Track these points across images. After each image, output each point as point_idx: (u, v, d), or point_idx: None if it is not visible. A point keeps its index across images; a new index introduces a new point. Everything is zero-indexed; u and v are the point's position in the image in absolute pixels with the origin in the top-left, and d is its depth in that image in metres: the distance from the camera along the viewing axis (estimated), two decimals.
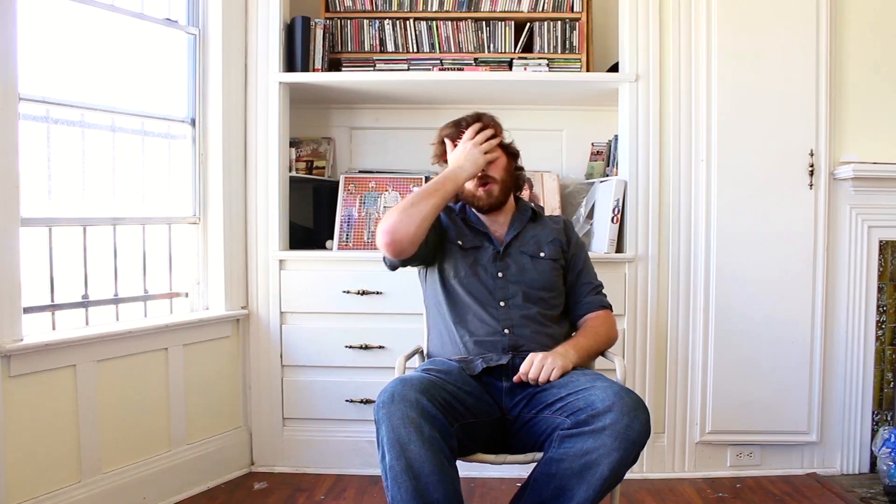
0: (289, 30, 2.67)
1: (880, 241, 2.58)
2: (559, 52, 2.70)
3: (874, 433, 2.57)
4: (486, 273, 1.89)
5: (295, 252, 2.66)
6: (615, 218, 2.56)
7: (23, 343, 1.92)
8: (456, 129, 1.96)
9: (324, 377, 2.62)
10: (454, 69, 2.67)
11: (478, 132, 1.92)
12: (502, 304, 1.85)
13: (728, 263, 2.55)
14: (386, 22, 2.71)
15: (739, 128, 2.53)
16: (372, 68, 2.68)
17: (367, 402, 2.59)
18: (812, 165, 2.53)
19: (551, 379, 1.65)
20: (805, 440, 2.60)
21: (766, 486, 2.52)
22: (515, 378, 1.70)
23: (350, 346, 2.58)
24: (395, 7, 2.72)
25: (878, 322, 2.59)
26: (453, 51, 2.71)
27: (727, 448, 2.62)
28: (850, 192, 2.56)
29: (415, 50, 2.71)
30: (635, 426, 1.46)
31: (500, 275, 1.88)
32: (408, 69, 2.67)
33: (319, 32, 2.66)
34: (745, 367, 2.56)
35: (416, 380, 1.54)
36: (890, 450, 2.37)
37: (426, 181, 2.72)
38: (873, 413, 2.60)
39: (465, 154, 1.88)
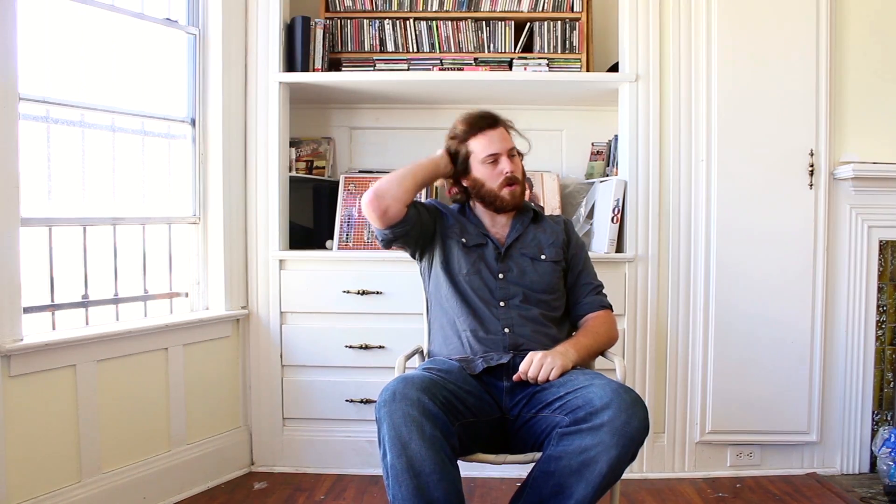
0: (289, 30, 2.67)
1: (880, 241, 2.58)
2: (559, 52, 2.70)
3: (874, 433, 2.57)
4: (488, 272, 1.89)
5: (295, 252, 2.66)
6: (615, 218, 2.56)
7: (23, 343, 1.92)
8: (469, 131, 1.94)
9: (324, 377, 2.62)
10: (454, 69, 2.67)
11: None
12: (502, 304, 1.85)
13: (728, 263, 2.55)
14: (386, 22, 2.71)
15: (739, 128, 2.53)
16: (372, 68, 2.68)
17: (368, 401, 2.59)
18: (812, 165, 2.53)
19: (550, 378, 1.65)
20: (805, 440, 2.60)
21: (766, 486, 2.52)
22: (515, 377, 1.70)
23: (350, 346, 2.58)
24: (395, 7, 2.72)
25: (878, 322, 2.59)
26: (453, 51, 2.71)
27: (727, 448, 2.62)
28: (850, 192, 2.56)
29: (415, 50, 2.71)
30: (633, 423, 1.45)
31: (501, 276, 1.88)
32: (408, 69, 2.67)
33: (319, 32, 2.66)
34: (745, 367, 2.56)
35: (417, 378, 1.55)
36: (890, 450, 2.37)
37: None
38: (873, 413, 2.60)
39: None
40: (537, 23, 2.70)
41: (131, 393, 2.24)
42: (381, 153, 2.98)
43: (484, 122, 1.92)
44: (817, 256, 2.55)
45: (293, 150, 2.76)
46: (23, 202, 1.96)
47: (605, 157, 2.82)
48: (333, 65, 2.72)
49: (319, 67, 2.65)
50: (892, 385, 2.61)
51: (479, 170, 1.91)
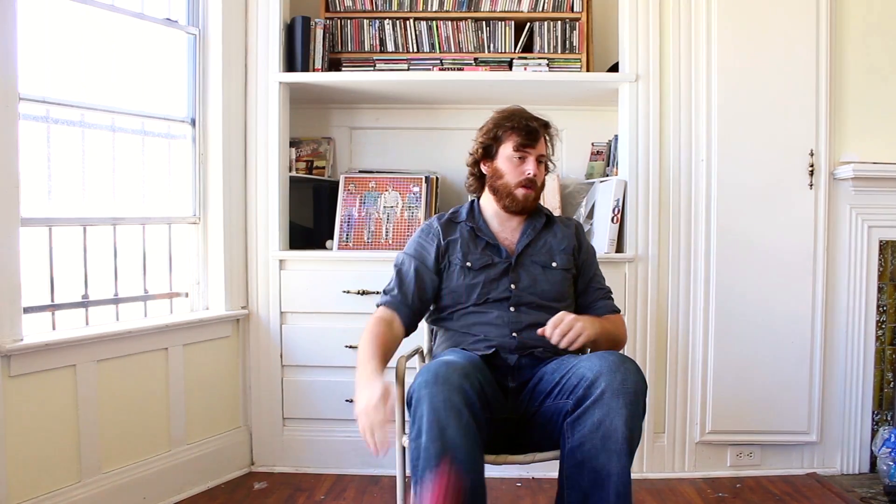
0: (289, 30, 2.67)
1: (880, 241, 2.58)
2: (559, 52, 2.70)
3: (874, 433, 2.57)
4: (496, 289, 1.85)
5: (295, 252, 2.66)
6: (615, 218, 2.56)
7: (23, 343, 1.92)
8: (515, 124, 1.87)
9: (324, 377, 2.62)
10: (454, 69, 2.67)
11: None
12: (512, 309, 1.84)
13: (728, 263, 2.55)
14: (386, 22, 2.71)
15: (739, 128, 2.53)
16: (372, 68, 2.68)
17: None
18: (812, 165, 2.53)
19: (573, 347, 1.64)
20: (805, 440, 2.60)
21: (766, 486, 2.52)
22: (539, 331, 1.66)
23: (350, 346, 2.58)
24: (395, 7, 2.72)
25: (878, 322, 2.59)
26: (453, 51, 2.71)
27: (727, 448, 2.62)
28: (850, 192, 2.56)
29: (415, 50, 2.71)
30: (629, 378, 1.49)
31: (511, 286, 1.85)
32: (408, 69, 2.67)
33: (319, 32, 2.66)
34: (745, 367, 2.56)
35: (459, 365, 1.53)
36: (890, 450, 2.37)
37: (426, 181, 2.73)
38: (873, 413, 2.60)
39: (366, 409, 1.48)
40: (537, 23, 2.70)
41: (131, 393, 2.24)
42: (381, 153, 2.98)
43: (533, 125, 1.87)
44: (817, 256, 2.55)
45: (293, 150, 2.76)
46: (23, 202, 1.96)
47: (605, 157, 2.82)
48: (333, 65, 2.72)
49: (319, 67, 2.65)
50: (892, 385, 2.61)
51: (504, 160, 1.87)
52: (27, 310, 2.02)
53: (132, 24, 2.36)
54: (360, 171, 2.85)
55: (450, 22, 2.71)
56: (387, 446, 1.46)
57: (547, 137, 1.92)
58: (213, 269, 2.57)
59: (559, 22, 2.70)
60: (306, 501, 2.38)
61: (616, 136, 2.71)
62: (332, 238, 2.71)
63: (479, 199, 1.99)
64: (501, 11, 2.70)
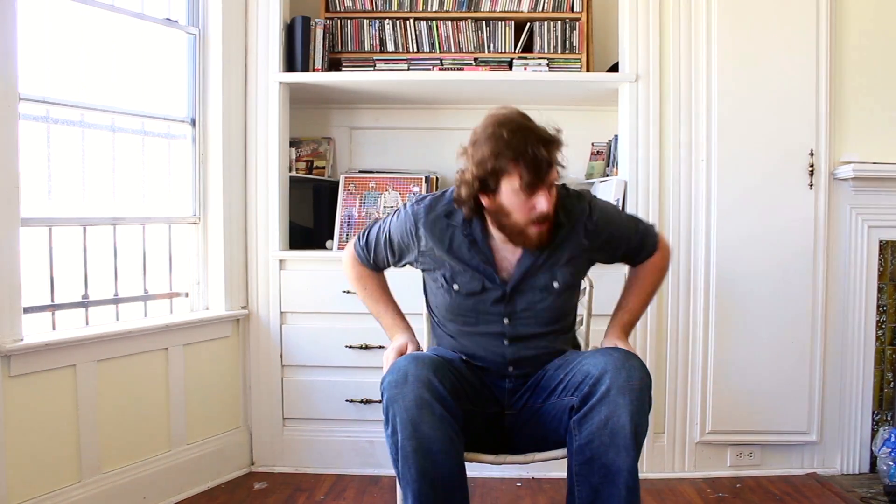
0: (289, 30, 2.67)
1: (880, 241, 2.58)
2: (559, 52, 2.70)
3: (874, 433, 2.57)
4: (486, 321, 1.69)
5: (295, 252, 2.66)
6: None
7: (23, 343, 1.92)
8: (520, 154, 1.50)
9: (324, 377, 2.62)
10: (454, 69, 2.67)
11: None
12: (506, 342, 1.69)
13: (728, 263, 2.55)
14: (386, 22, 2.71)
15: (739, 128, 2.53)
16: (372, 68, 2.68)
17: (367, 401, 2.59)
18: (812, 165, 2.53)
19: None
20: (805, 440, 2.60)
21: (766, 486, 2.52)
22: None
23: (350, 346, 2.58)
24: (395, 7, 2.72)
25: (878, 322, 2.59)
26: (453, 51, 2.71)
27: (727, 448, 2.62)
28: (850, 192, 2.56)
29: (415, 50, 2.71)
30: (634, 374, 1.48)
31: (505, 321, 1.68)
32: (408, 69, 2.67)
33: (319, 32, 2.66)
34: (745, 367, 2.56)
35: (427, 359, 1.54)
36: (890, 450, 2.37)
37: (426, 181, 2.73)
38: (873, 413, 2.60)
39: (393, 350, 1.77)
40: (537, 23, 2.70)
41: (131, 393, 2.24)
42: (381, 153, 2.98)
43: (541, 155, 1.50)
44: (817, 256, 2.55)
45: (293, 150, 2.76)
46: (23, 202, 1.96)
47: (605, 157, 2.82)
48: (333, 65, 2.72)
49: (319, 67, 2.65)
50: (892, 385, 2.61)
51: (509, 196, 1.53)
52: (27, 310, 2.02)
53: (132, 24, 2.36)
54: (360, 171, 2.85)
55: (450, 22, 2.70)
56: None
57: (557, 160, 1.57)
58: (213, 269, 2.57)
59: (559, 22, 2.70)
60: (306, 501, 2.38)
61: (616, 137, 2.71)
62: (332, 238, 2.71)
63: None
64: (501, 11, 2.70)
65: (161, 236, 2.50)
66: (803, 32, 2.51)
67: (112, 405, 2.18)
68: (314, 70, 2.65)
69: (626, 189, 2.58)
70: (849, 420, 2.60)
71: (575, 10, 2.70)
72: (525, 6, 2.70)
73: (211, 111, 2.54)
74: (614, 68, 2.71)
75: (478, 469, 2.31)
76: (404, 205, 1.77)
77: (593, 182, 2.81)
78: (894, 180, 2.53)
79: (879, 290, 2.59)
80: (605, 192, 2.63)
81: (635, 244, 1.77)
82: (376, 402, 2.58)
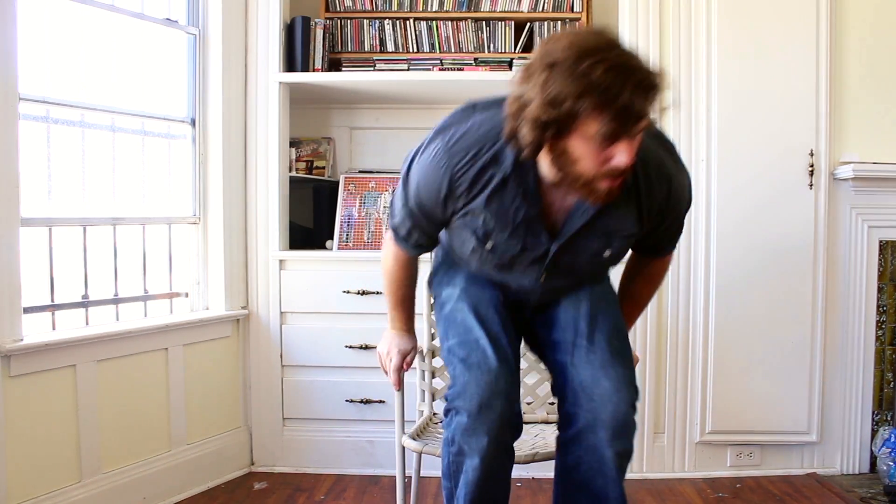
0: (289, 30, 2.67)
1: (880, 241, 2.58)
2: None
3: (874, 433, 2.57)
4: (520, 270, 1.45)
5: (295, 252, 2.66)
6: None
7: (23, 343, 1.92)
8: (605, 92, 1.12)
9: (324, 377, 2.62)
10: (454, 69, 2.67)
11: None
12: (541, 280, 1.47)
13: (728, 263, 2.55)
14: (386, 22, 2.71)
15: (739, 128, 2.53)
16: (372, 68, 2.68)
17: (367, 401, 2.59)
18: (812, 165, 2.52)
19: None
20: (805, 440, 2.60)
21: (766, 486, 2.52)
22: None
23: (350, 346, 2.58)
24: (395, 7, 2.73)
25: (878, 322, 2.59)
26: (453, 51, 2.71)
27: (727, 448, 2.62)
28: (850, 192, 2.56)
29: (415, 50, 2.71)
30: (621, 408, 1.40)
31: (541, 278, 1.46)
32: (408, 69, 2.67)
33: (319, 32, 2.66)
34: (745, 367, 2.56)
35: (501, 376, 1.39)
36: (890, 450, 2.37)
37: None
38: (873, 413, 2.59)
39: (381, 356, 1.77)
40: (537, 23, 2.70)
41: (131, 393, 2.24)
42: (381, 153, 2.98)
43: (639, 104, 1.14)
44: (817, 256, 2.54)
45: (293, 150, 2.76)
46: (23, 202, 1.96)
47: None
48: (333, 65, 2.72)
49: (319, 67, 2.65)
50: (892, 385, 2.61)
51: (581, 141, 1.18)
52: (27, 310, 2.01)
53: (132, 24, 2.36)
54: (360, 172, 2.85)
55: (450, 22, 2.71)
56: (398, 387, 1.73)
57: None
58: (213, 269, 2.57)
59: (559, 22, 2.70)
60: (306, 501, 2.38)
61: None
62: (332, 238, 2.71)
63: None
64: (501, 11, 2.70)
65: (161, 236, 2.50)
66: (803, 32, 2.51)
67: (112, 405, 2.18)
68: (314, 70, 2.65)
69: None
70: (849, 420, 2.59)
71: (575, 10, 2.70)
72: (525, 6, 2.70)
73: (211, 111, 2.54)
74: None
75: None
76: (433, 154, 1.33)
77: None
78: (894, 180, 2.53)
79: (879, 290, 2.59)
80: None
81: (673, 231, 1.55)
82: (376, 402, 2.59)
